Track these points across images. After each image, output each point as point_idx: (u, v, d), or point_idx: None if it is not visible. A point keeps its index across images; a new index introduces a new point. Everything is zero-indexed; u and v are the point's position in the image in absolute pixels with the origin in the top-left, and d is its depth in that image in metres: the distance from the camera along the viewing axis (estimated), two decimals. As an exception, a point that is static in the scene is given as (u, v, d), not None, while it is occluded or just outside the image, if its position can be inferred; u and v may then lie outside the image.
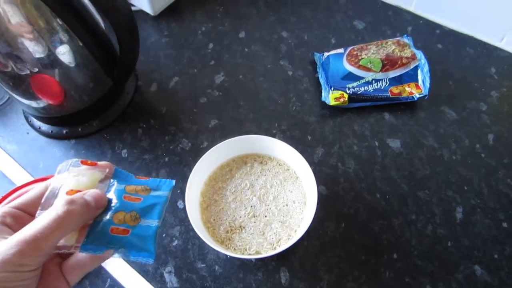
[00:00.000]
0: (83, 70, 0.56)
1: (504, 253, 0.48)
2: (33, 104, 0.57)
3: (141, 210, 0.30)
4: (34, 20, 0.48)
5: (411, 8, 0.72)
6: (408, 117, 0.60)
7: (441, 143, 0.58)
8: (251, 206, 0.50)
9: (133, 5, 0.75)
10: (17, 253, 0.24)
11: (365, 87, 0.60)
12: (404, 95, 0.60)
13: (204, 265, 0.50)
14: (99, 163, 0.32)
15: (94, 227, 0.29)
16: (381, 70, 0.61)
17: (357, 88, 0.61)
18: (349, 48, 0.64)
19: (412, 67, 0.61)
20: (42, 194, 0.29)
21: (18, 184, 0.57)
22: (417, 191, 0.54)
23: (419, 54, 0.61)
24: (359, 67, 0.61)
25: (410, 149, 0.57)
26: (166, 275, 0.49)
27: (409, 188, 0.54)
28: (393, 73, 0.61)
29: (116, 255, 0.29)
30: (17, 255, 0.24)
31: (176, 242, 0.51)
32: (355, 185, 0.55)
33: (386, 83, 0.61)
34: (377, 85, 0.60)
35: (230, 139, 0.52)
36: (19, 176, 0.59)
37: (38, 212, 0.28)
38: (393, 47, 0.63)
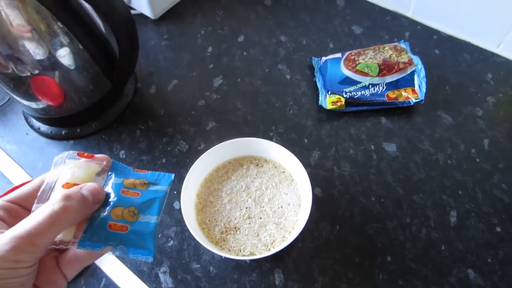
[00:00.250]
0: (83, 72, 0.56)
1: (497, 257, 0.49)
2: (33, 105, 0.58)
3: (140, 205, 0.30)
4: (35, 23, 0.49)
5: (409, 13, 0.73)
6: (405, 122, 0.61)
7: (437, 148, 0.58)
8: (246, 208, 0.50)
9: (134, 9, 0.76)
10: (12, 249, 0.23)
11: (362, 92, 0.61)
12: (401, 99, 0.61)
13: (199, 265, 0.50)
14: (96, 155, 0.31)
15: (92, 222, 0.28)
16: (378, 75, 0.61)
17: (354, 93, 0.61)
18: (347, 53, 0.65)
19: (408, 72, 0.61)
20: (37, 188, 0.29)
21: (17, 183, 0.58)
22: (412, 195, 0.54)
23: (416, 59, 0.62)
24: (356, 71, 0.62)
25: (405, 153, 0.58)
26: (161, 275, 0.50)
27: (404, 192, 0.54)
28: (390, 78, 0.61)
29: (115, 252, 0.29)
30: (12, 252, 0.23)
31: (171, 242, 0.52)
32: (351, 188, 0.55)
33: (383, 87, 0.61)
34: (374, 89, 0.61)
35: (226, 141, 0.52)
36: (18, 176, 0.59)
37: (34, 206, 0.28)
38: (390, 52, 0.63)
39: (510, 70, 0.65)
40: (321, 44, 0.71)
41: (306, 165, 0.49)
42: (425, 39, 0.70)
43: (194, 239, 0.45)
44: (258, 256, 0.46)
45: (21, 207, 0.29)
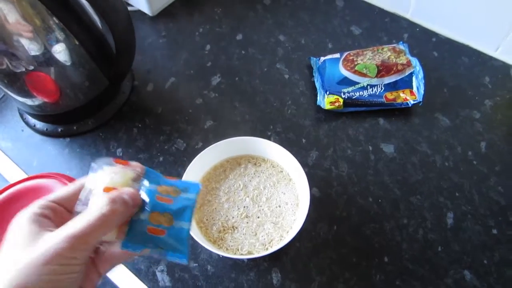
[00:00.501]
0: (79, 69, 0.56)
1: (493, 259, 0.49)
2: (28, 101, 0.57)
3: (174, 212, 0.31)
4: (30, 18, 0.48)
5: (408, 15, 0.73)
6: (402, 123, 0.61)
7: (434, 150, 0.58)
8: (244, 207, 0.50)
9: (131, 5, 0.76)
10: (68, 247, 0.25)
11: (360, 92, 0.61)
12: (399, 101, 0.61)
13: (197, 264, 0.50)
14: (131, 162, 0.33)
15: (132, 225, 0.30)
16: (376, 76, 0.61)
17: (352, 93, 0.61)
18: (345, 53, 0.65)
19: (407, 73, 0.61)
20: (77, 191, 0.30)
21: (12, 181, 0.57)
22: (409, 196, 0.54)
23: (414, 61, 0.62)
24: (355, 72, 0.62)
25: (403, 155, 0.58)
26: (158, 274, 0.49)
27: (401, 193, 0.54)
28: (388, 79, 0.61)
29: (154, 254, 0.30)
30: (68, 249, 0.25)
31: (168, 241, 0.51)
32: (348, 188, 0.55)
33: (381, 88, 0.61)
34: (372, 90, 0.61)
35: (224, 140, 0.52)
36: (13, 173, 0.58)
37: (78, 207, 0.29)
38: (389, 53, 0.63)
39: (507, 74, 0.65)
40: (320, 44, 0.71)
41: (304, 165, 0.49)
42: (424, 41, 0.70)
43: (191, 237, 0.44)
44: (255, 255, 0.46)
45: (64, 208, 0.30)
